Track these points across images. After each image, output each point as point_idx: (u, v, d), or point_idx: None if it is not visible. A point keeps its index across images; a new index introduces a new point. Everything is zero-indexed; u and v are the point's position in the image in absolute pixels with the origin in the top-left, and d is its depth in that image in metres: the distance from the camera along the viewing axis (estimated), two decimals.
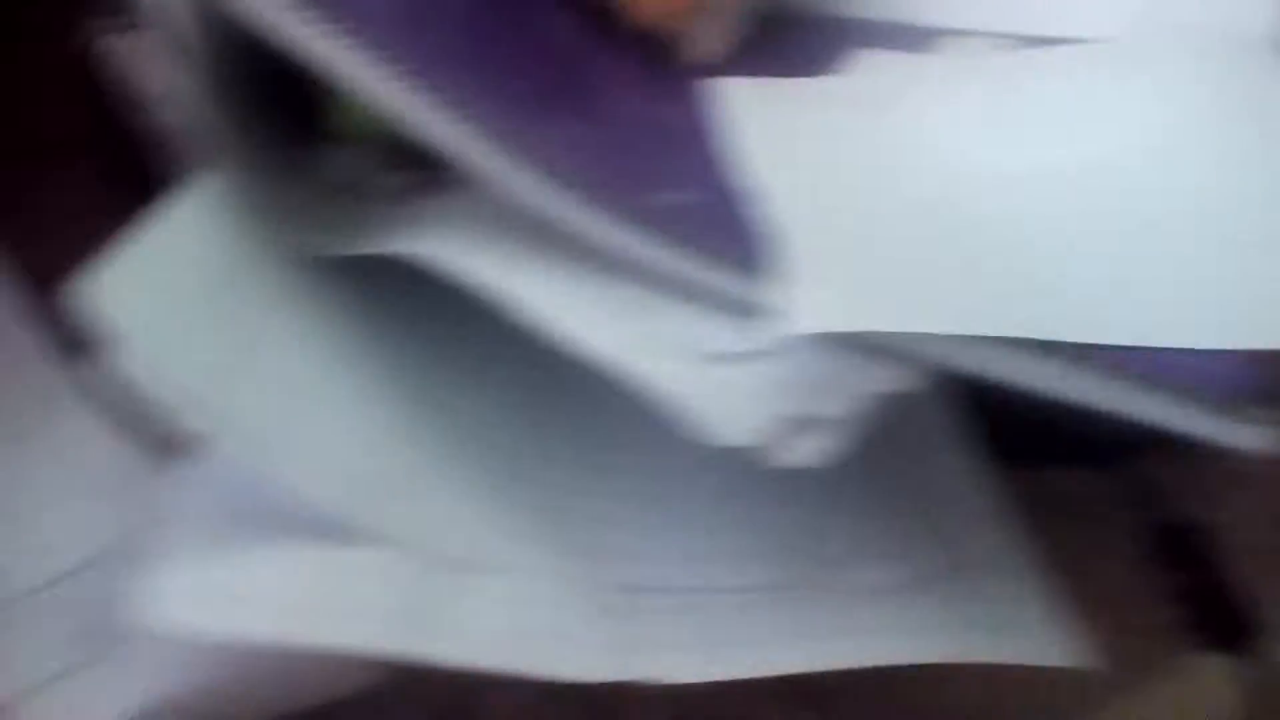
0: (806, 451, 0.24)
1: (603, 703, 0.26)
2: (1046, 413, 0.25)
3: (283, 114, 0.34)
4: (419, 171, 0.33)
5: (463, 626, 0.23)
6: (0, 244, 0.32)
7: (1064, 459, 0.32)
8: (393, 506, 0.25)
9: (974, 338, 0.23)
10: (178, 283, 0.25)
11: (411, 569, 0.24)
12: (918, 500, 0.28)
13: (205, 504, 0.24)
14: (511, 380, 0.30)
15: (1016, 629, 0.25)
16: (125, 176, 0.32)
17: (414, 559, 0.24)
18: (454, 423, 0.28)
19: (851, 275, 0.25)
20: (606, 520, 0.27)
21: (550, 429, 0.29)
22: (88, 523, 0.28)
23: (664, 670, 0.24)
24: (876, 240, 0.26)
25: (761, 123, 0.30)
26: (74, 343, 0.31)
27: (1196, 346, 0.23)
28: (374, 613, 0.23)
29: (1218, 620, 0.32)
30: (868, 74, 0.33)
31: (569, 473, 0.28)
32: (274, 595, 0.22)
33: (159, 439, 0.28)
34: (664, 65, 0.33)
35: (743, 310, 0.25)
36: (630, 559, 0.26)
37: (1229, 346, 0.24)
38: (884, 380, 0.24)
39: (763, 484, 0.27)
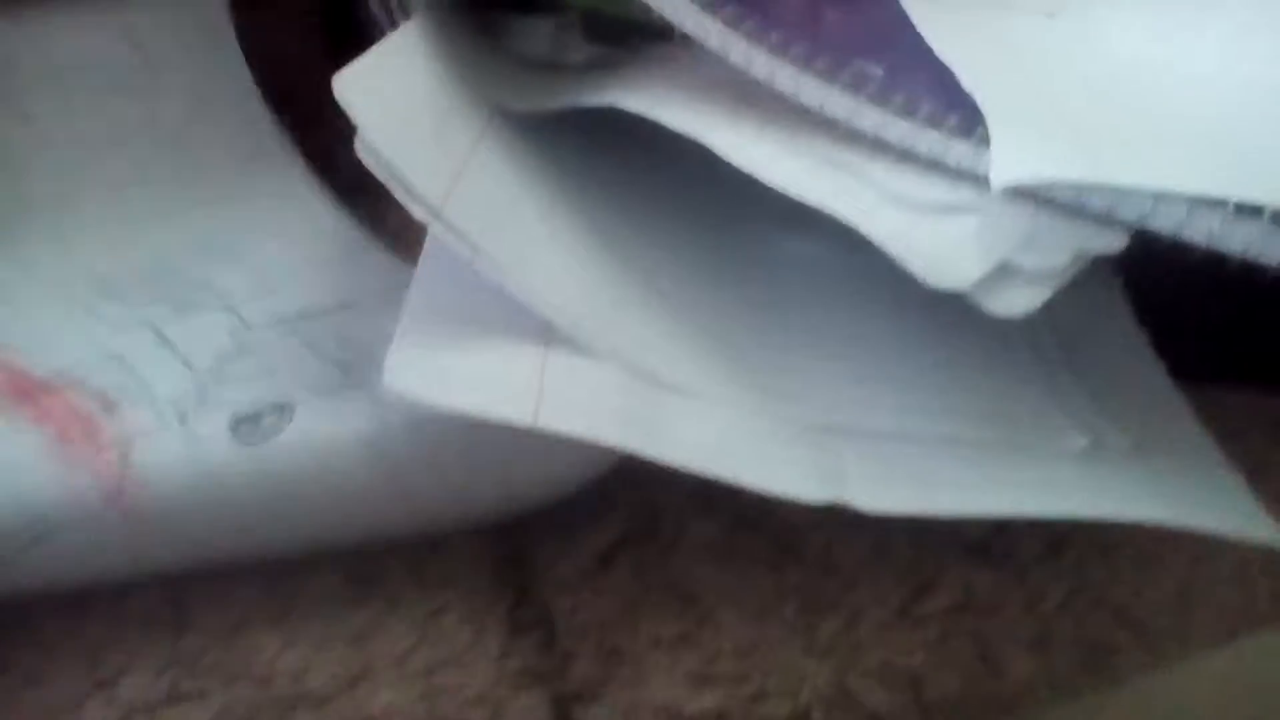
0: (1011, 300, 0.25)
1: (793, 535, 0.27)
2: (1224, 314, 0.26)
3: None
4: (612, 46, 0.34)
5: (673, 433, 0.25)
6: None
7: (1234, 374, 0.32)
8: (604, 322, 0.26)
9: (1174, 194, 0.24)
10: (409, 97, 0.27)
11: (624, 377, 0.25)
12: (1099, 376, 0.29)
13: (442, 288, 0.25)
14: (697, 236, 0.31)
15: (1211, 500, 0.26)
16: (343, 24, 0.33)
17: (628, 370, 0.25)
18: (645, 265, 0.29)
19: (1050, 132, 0.25)
20: (801, 371, 0.28)
21: (734, 282, 0.30)
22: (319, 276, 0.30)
23: (865, 500, 0.24)
24: (1072, 103, 0.27)
25: (946, 17, 0.31)
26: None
27: None
28: (600, 407, 0.24)
29: None
30: None
31: (763, 327, 0.29)
32: (509, 381, 0.23)
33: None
34: None
35: (946, 166, 0.26)
36: (827, 403, 0.27)
37: None
38: (1085, 237, 0.25)
39: (960, 347, 0.28)
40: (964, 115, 0.26)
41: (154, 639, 0.24)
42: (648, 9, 0.29)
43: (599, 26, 0.36)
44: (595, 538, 0.27)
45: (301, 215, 0.32)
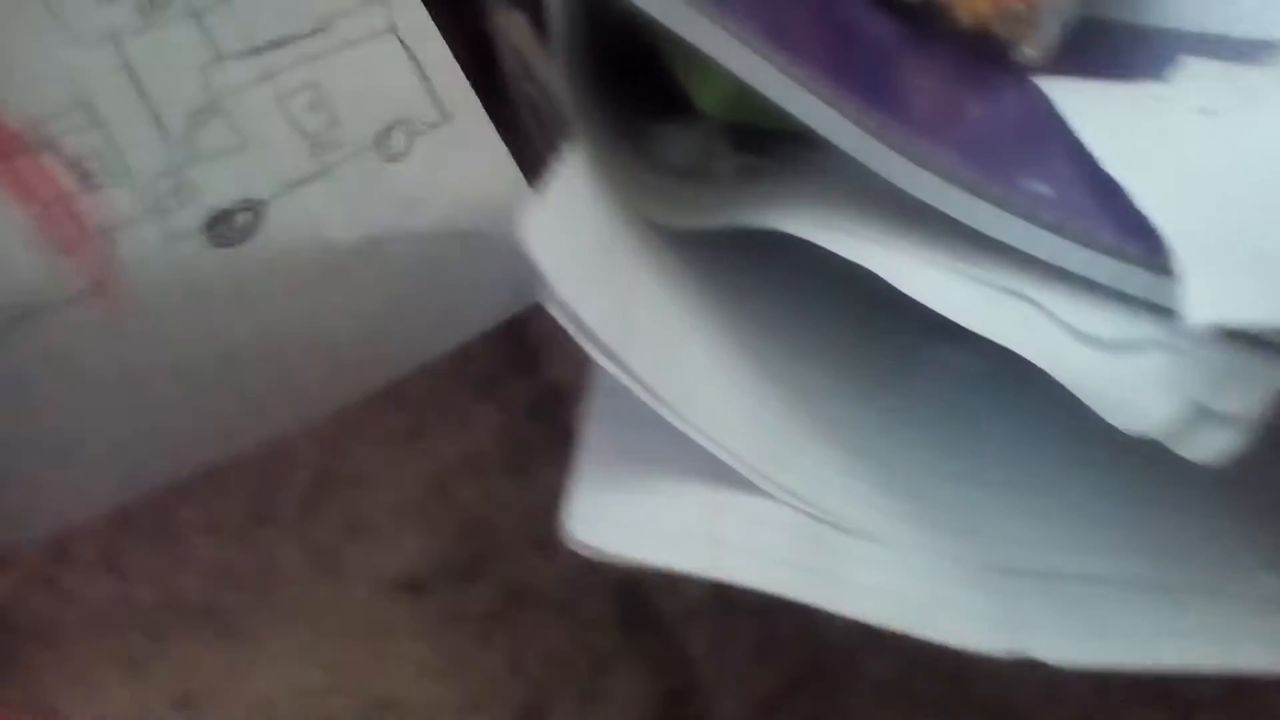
0: (1205, 445, 0.24)
1: (968, 677, 0.26)
2: None
3: (627, 94, 0.35)
4: (759, 155, 0.34)
5: (852, 582, 0.24)
6: None
7: None
8: (774, 460, 0.26)
9: None
10: (580, 233, 0.27)
11: (800, 520, 0.25)
12: None
13: (613, 433, 0.25)
14: (847, 346, 0.31)
15: None
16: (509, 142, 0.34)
17: (800, 512, 0.25)
18: (805, 393, 0.29)
19: (1241, 265, 0.24)
20: (974, 504, 0.28)
21: (902, 410, 0.30)
22: None
23: (1047, 651, 0.24)
24: (1253, 223, 0.26)
25: (1102, 119, 0.30)
26: None
27: None
28: (771, 555, 0.23)
29: None
30: (1196, 80, 0.33)
31: (930, 455, 0.29)
32: (687, 530, 0.23)
33: None
34: (987, 66, 0.33)
35: (1129, 298, 0.25)
36: (1003, 542, 0.27)
37: None
38: None
39: (1139, 479, 0.27)
40: (1145, 243, 0.25)
41: None
42: (790, 120, 0.29)
43: (744, 135, 0.36)
44: (763, 680, 0.26)
45: None
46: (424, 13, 0.28)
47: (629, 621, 0.28)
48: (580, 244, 0.27)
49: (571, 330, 0.25)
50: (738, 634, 0.27)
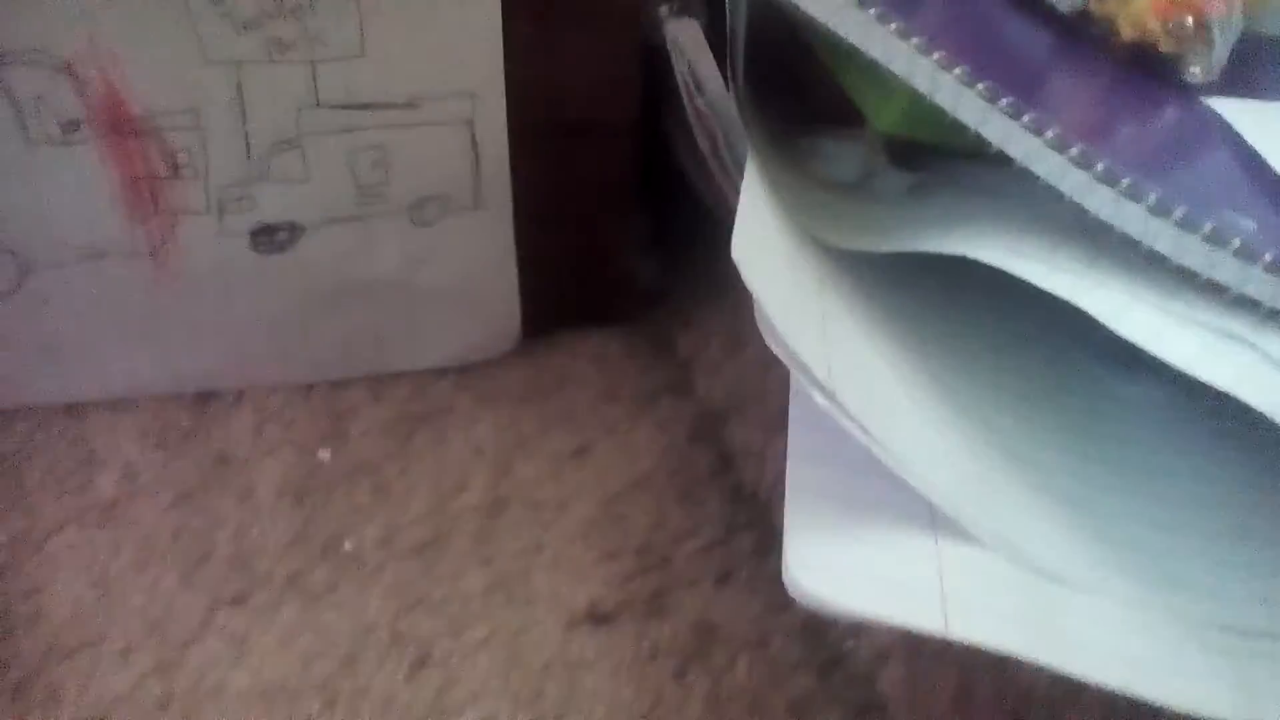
0: None
1: None
2: None
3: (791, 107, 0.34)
4: (922, 171, 0.33)
5: (1077, 639, 0.23)
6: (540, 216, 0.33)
7: None
8: (984, 507, 0.25)
9: None
10: (776, 257, 0.26)
11: (1019, 574, 0.24)
12: None
13: (816, 468, 0.24)
14: (1048, 398, 0.30)
15: None
16: (661, 158, 0.33)
17: (1016, 562, 0.24)
18: (1001, 433, 0.28)
19: None
20: (1187, 556, 0.27)
21: (1098, 454, 0.29)
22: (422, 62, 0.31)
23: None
24: None
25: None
26: None
27: None
28: (999, 612, 0.23)
29: None
30: None
31: (1135, 503, 0.28)
32: (913, 585, 0.23)
33: None
34: (1151, 86, 0.32)
35: None
36: (1223, 599, 0.26)
37: None
38: None
39: None
40: None
41: None
42: (959, 131, 0.28)
43: (905, 150, 0.35)
44: None
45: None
46: (503, 114, 0.32)
47: (823, 664, 0.27)
48: (780, 270, 0.27)
49: (794, 370, 0.24)
50: (934, 682, 0.26)
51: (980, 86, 0.28)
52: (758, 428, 0.33)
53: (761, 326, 0.24)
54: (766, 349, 0.24)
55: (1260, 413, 0.23)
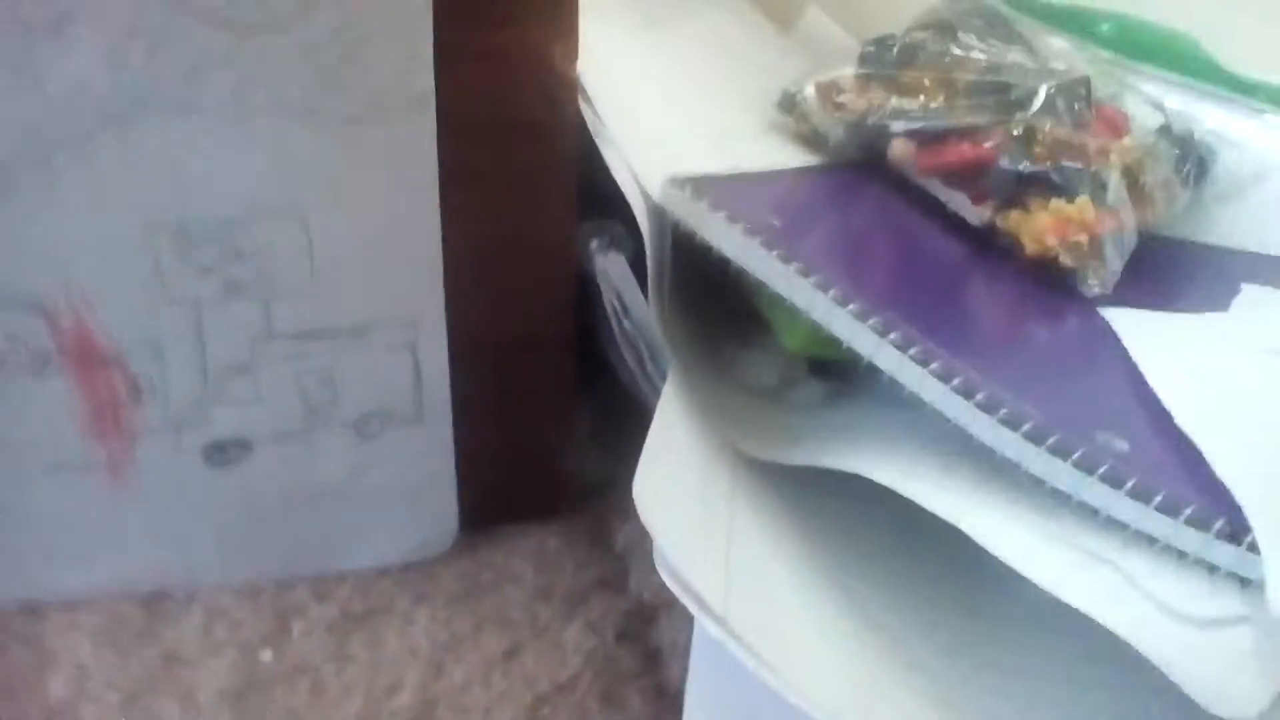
0: None
1: None
2: None
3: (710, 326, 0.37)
4: (839, 381, 0.36)
5: None
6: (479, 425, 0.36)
7: None
8: (869, 713, 0.27)
9: None
10: (683, 483, 0.29)
11: None
12: None
13: (717, 686, 0.26)
14: (927, 580, 0.32)
15: None
16: (590, 368, 0.36)
17: None
18: (896, 637, 0.30)
19: None
20: None
21: (985, 652, 0.31)
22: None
23: None
24: None
25: (1172, 365, 0.31)
26: None
27: None
28: None
29: None
30: (1258, 311, 0.35)
31: (1018, 697, 0.30)
32: None
33: None
34: (1051, 291, 0.35)
35: (1208, 566, 0.26)
36: None
37: None
38: None
39: None
40: (1230, 515, 0.26)
41: None
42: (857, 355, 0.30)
43: (823, 364, 0.37)
44: None
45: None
46: (443, 336, 0.35)
47: None
48: (684, 497, 0.29)
49: (675, 590, 0.26)
50: None
51: (872, 321, 0.30)
52: (685, 625, 0.35)
53: (657, 561, 0.27)
54: None
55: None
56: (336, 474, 0.36)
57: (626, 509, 0.38)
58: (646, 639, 0.36)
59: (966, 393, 0.29)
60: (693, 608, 0.26)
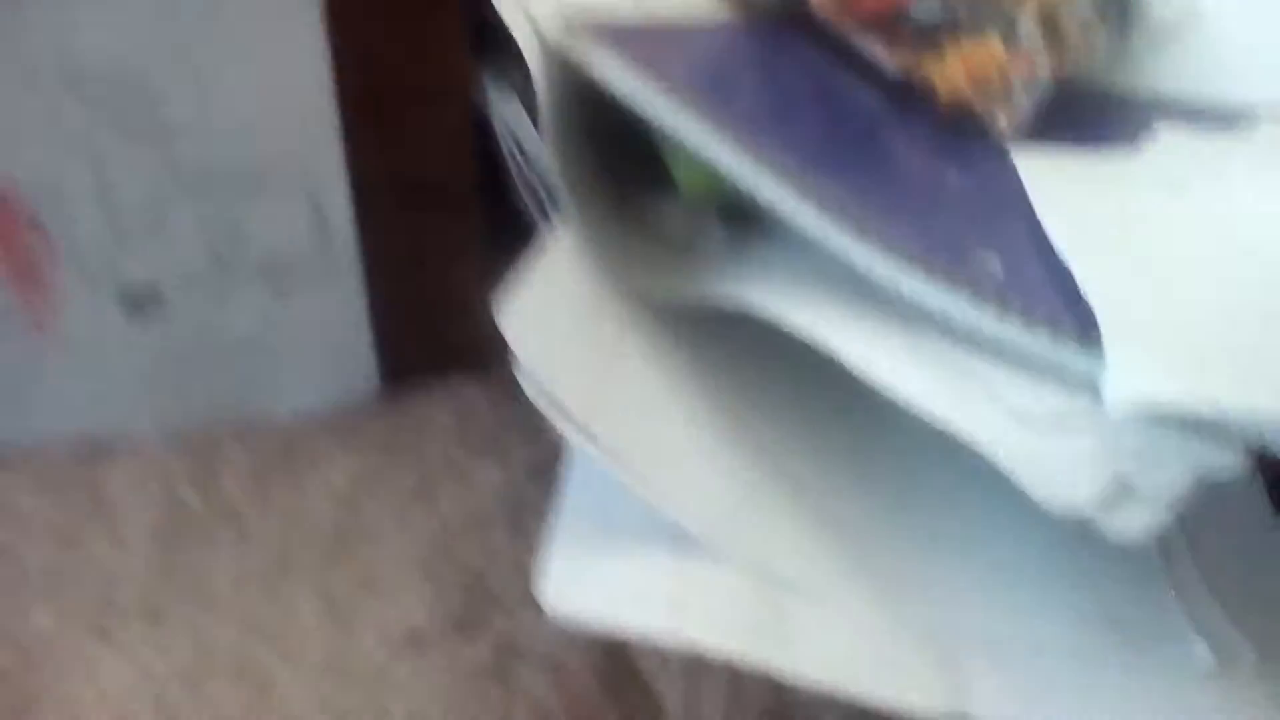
0: (1129, 522, 0.26)
1: None
2: None
3: (620, 171, 0.38)
4: (742, 225, 0.37)
5: (806, 648, 0.26)
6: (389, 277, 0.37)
7: None
8: (732, 527, 0.28)
9: None
10: (559, 314, 0.29)
11: (755, 586, 0.27)
12: (1223, 581, 0.30)
13: (587, 499, 0.27)
14: (821, 423, 0.33)
15: None
16: (504, 220, 0.37)
17: (752, 577, 0.27)
18: (770, 456, 0.31)
19: (1169, 347, 0.25)
20: (926, 571, 0.30)
21: (867, 481, 0.32)
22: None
23: (987, 712, 0.26)
24: (1198, 316, 0.27)
25: (1065, 196, 0.32)
26: None
27: None
28: (725, 620, 0.26)
29: None
30: (1167, 152, 0.35)
31: (888, 527, 0.31)
32: (651, 596, 0.26)
33: None
34: (964, 137, 0.35)
35: (1062, 375, 0.27)
36: (951, 608, 0.29)
37: None
38: (1208, 458, 0.25)
39: (1080, 549, 0.29)
40: (1082, 324, 0.26)
41: None
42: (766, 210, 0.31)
43: (730, 210, 0.38)
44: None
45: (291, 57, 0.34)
46: (343, 184, 0.35)
47: (610, 677, 0.30)
48: (558, 322, 0.30)
49: (539, 404, 0.27)
50: (710, 690, 0.29)
51: (749, 151, 0.31)
52: None
53: (521, 374, 0.28)
54: None
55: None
56: (251, 324, 0.37)
57: None
58: (560, 478, 0.37)
59: (838, 215, 0.30)
60: (553, 416, 0.27)
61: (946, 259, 0.29)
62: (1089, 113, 0.39)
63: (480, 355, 0.41)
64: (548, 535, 0.27)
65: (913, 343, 0.29)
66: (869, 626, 0.28)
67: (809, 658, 0.26)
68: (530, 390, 0.27)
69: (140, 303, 0.36)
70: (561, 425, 0.27)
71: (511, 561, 0.34)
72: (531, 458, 0.38)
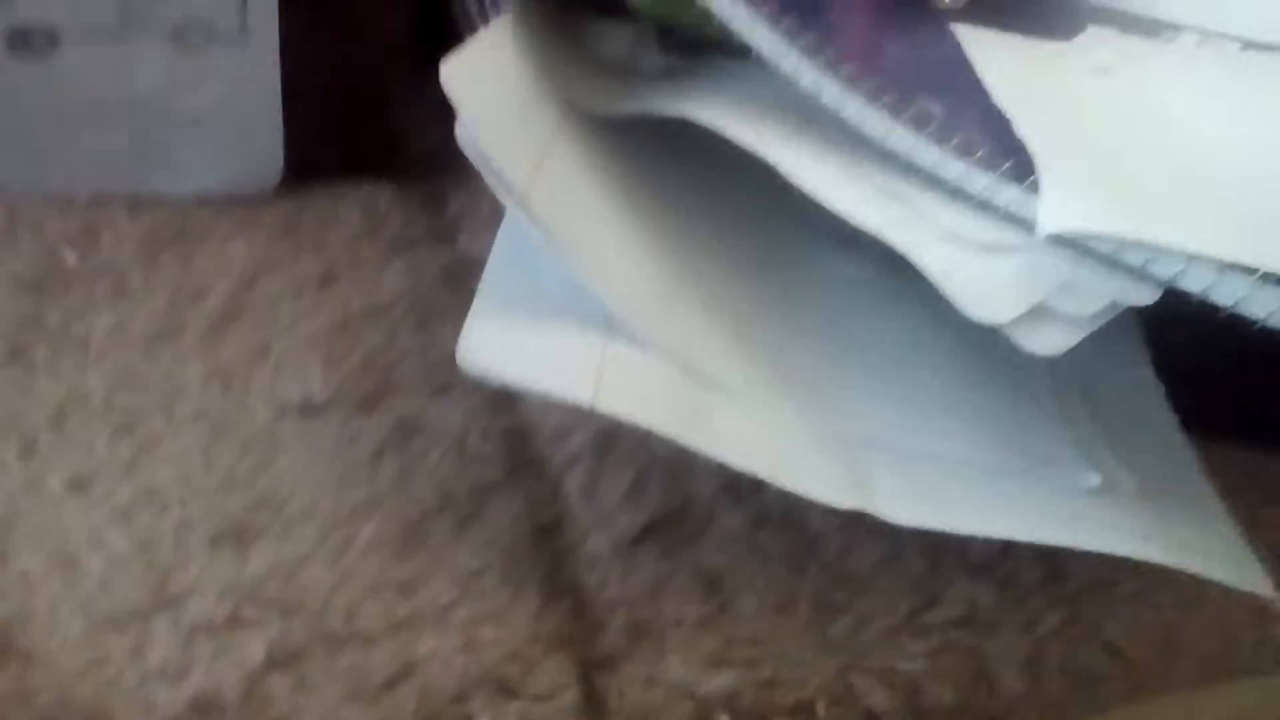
0: (1044, 340, 0.27)
1: (812, 535, 0.29)
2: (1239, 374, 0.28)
3: None
4: (685, 57, 0.36)
5: (719, 430, 0.26)
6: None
7: (1241, 433, 0.33)
8: (659, 319, 0.28)
9: (1206, 257, 0.25)
10: (504, 89, 0.29)
11: (678, 372, 0.27)
12: (1115, 419, 0.31)
13: (512, 273, 0.27)
14: (756, 246, 0.33)
15: (1208, 546, 0.28)
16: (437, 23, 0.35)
17: (675, 365, 0.27)
18: (694, 265, 0.31)
19: (1096, 185, 0.27)
20: (841, 384, 0.30)
21: (788, 300, 0.32)
22: None
23: (887, 511, 0.26)
24: (1118, 157, 0.29)
25: (1004, 64, 0.33)
26: None
27: None
28: (651, 397, 0.26)
29: None
30: (1097, 44, 0.36)
31: (805, 341, 0.31)
32: (571, 364, 0.25)
33: None
34: (907, 10, 0.36)
35: (996, 207, 0.28)
36: (862, 418, 0.29)
37: None
38: (1119, 289, 0.27)
39: (984, 376, 0.30)
40: (1017, 161, 0.28)
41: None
42: (723, 29, 0.31)
43: (673, 38, 0.37)
44: (628, 518, 0.29)
45: None
46: None
47: (513, 461, 0.30)
48: (502, 96, 0.29)
49: (477, 163, 0.26)
50: (610, 479, 0.29)
51: None
52: None
53: (459, 132, 0.26)
54: None
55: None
56: (154, 87, 0.34)
57: (462, 178, 0.38)
58: (469, 288, 0.36)
59: (788, 37, 0.30)
60: (488, 176, 0.26)
61: (892, 94, 0.29)
62: (1026, 4, 0.40)
63: (392, 161, 0.39)
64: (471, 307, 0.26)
65: (851, 161, 0.29)
66: (781, 421, 0.28)
67: (721, 439, 0.26)
68: (470, 150, 0.26)
69: (31, 44, 0.33)
70: (498, 189, 0.26)
71: (416, 353, 0.33)
72: (440, 264, 0.36)
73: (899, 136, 0.29)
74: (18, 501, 0.26)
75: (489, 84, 0.29)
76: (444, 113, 0.39)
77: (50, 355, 0.30)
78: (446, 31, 0.37)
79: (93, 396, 0.29)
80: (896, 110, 0.29)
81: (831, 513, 0.26)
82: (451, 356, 0.33)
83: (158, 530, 0.26)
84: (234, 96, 0.35)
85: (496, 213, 0.38)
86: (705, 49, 0.36)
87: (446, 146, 0.38)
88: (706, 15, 0.31)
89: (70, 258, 0.33)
